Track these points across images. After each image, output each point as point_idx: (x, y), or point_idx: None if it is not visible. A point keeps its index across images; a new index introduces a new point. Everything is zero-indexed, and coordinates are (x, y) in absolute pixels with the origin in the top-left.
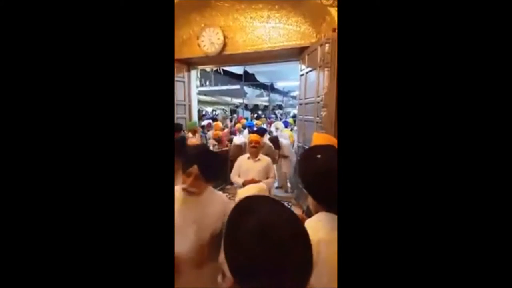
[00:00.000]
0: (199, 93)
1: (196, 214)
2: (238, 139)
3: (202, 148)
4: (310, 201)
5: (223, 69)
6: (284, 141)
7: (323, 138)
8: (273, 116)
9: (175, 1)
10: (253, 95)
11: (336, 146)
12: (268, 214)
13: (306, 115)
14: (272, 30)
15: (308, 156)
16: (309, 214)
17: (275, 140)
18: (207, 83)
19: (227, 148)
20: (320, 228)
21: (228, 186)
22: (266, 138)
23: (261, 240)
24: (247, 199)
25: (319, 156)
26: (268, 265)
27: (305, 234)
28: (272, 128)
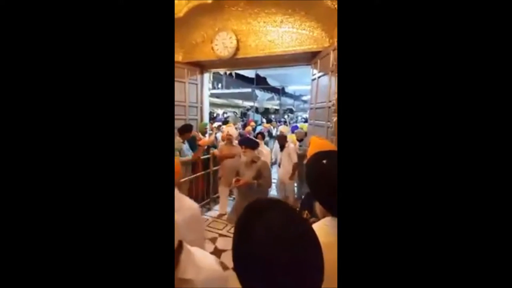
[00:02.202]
0: (211, 95)
1: None
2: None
3: None
4: (317, 206)
5: (235, 73)
6: (290, 144)
7: (321, 144)
8: (283, 119)
9: (190, 4)
10: (264, 99)
11: (331, 149)
12: (277, 220)
13: (316, 120)
14: (285, 34)
15: (314, 162)
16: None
17: (282, 140)
18: (219, 86)
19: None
20: (326, 232)
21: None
22: (262, 148)
23: (272, 248)
24: (255, 205)
25: (324, 161)
26: (281, 271)
27: (315, 237)
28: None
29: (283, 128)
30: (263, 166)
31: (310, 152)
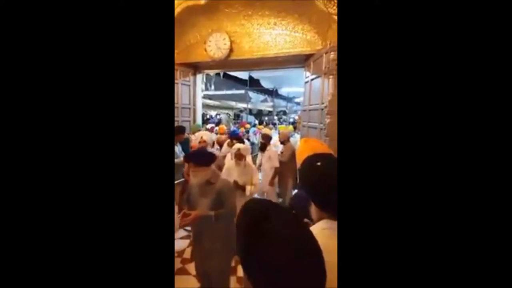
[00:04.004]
0: (204, 97)
1: None
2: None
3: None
4: (312, 209)
5: (224, 73)
6: (272, 147)
7: (311, 146)
8: (272, 122)
9: (183, 5)
10: (257, 100)
11: (324, 152)
12: (282, 227)
13: (310, 122)
14: (278, 36)
15: (308, 165)
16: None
17: (265, 139)
18: (212, 87)
19: None
20: (327, 235)
21: None
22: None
23: (278, 253)
24: (256, 208)
25: (319, 163)
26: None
27: (318, 248)
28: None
29: (267, 131)
30: (224, 189)
31: (300, 152)
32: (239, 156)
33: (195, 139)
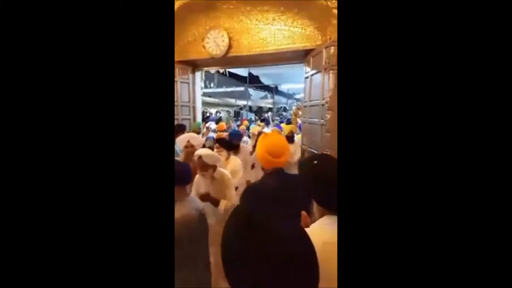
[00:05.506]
0: (204, 94)
1: None
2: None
3: None
4: (315, 208)
5: (228, 71)
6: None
7: (268, 141)
8: (277, 118)
9: (180, 2)
10: (257, 97)
11: (282, 144)
12: (273, 230)
13: (310, 118)
14: (278, 32)
15: (307, 164)
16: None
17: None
18: (211, 84)
19: None
20: (325, 231)
21: None
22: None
23: (266, 260)
24: (247, 211)
25: (315, 162)
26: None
27: (313, 253)
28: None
29: (254, 129)
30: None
31: (257, 148)
32: (202, 167)
33: (180, 143)
